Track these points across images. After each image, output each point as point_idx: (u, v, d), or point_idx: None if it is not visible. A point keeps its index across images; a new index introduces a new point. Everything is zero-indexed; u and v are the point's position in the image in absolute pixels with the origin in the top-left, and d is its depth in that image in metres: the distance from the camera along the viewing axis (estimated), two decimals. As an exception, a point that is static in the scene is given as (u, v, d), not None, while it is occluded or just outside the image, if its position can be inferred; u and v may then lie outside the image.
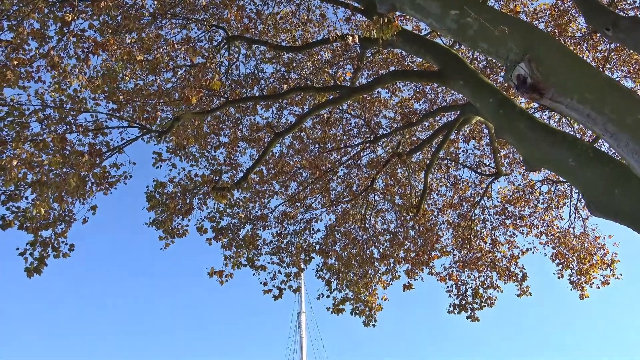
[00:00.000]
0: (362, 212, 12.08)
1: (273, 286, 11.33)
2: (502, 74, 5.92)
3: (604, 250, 12.19)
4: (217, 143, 11.10)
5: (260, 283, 11.26)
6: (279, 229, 11.76)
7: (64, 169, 8.24)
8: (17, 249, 8.27)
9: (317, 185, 11.82)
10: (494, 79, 11.13)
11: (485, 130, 11.82)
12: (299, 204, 11.96)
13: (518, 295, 12.28)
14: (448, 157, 12.63)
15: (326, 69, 11.24)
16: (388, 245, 12.11)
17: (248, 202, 11.42)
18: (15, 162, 7.45)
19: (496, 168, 11.83)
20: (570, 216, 12.36)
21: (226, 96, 10.19)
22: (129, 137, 9.13)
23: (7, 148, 7.62)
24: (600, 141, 10.26)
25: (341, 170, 12.15)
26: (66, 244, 8.74)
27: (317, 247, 11.89)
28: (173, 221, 10.63)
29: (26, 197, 8.32)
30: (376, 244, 12.15)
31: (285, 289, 11.38)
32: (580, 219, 12.34)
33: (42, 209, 7.85)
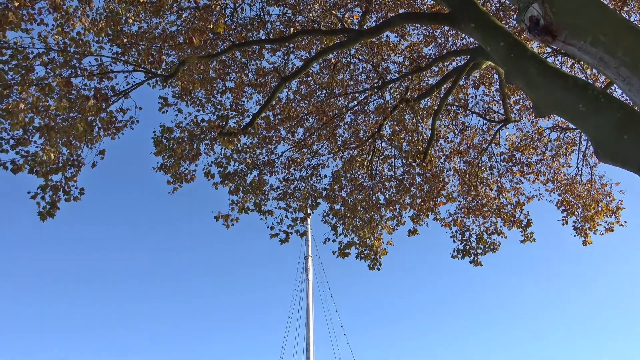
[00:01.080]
0: (369, 158, 12.09)
1: (280, 230, 11.51)
2: (515, 16, 5.74)
3: (609, 197, 12.23)
4: (223, 88, 10.99)
5: (268, 227, 11.45)
6: (285, 174, 11.83)
7: (71, 114, 8.25)
8: (29, 192, 8.40)
9: (324, 131, 11.78)
10: (506, 22, 10.82)
11: (496, 76, 11.61)
12: (305, 150, 11.96)
13: (522, 242, 12.45)
14: (457, 103, 12.48)
15: (334, 12, 10.94)
16: (394, 192, 12.18)
17: (255, 147, 11.42)
18: (22, 106, 7.45)
19: (505, 114, 11.71)
20: (577, 163, 12.33)
21: (232, 40, 10.01)
22: (134, 82, 9.08)
23: (13, 92, 7.60)
24: (613, 87, 10.08)
25: (348, 116, 12.08)
26: (76, 188, 8.87)
27: (324, 192, 11.99)
28: (180, 166, 10.72)
29: (35, 142, 8.37)
30: (382, 190, 12.23)
31: (292, 233, 11.56)
32: (588, 166, 12.31)
33: (52, 154, 7.91)
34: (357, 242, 12.07)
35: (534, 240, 12.34)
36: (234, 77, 11.08)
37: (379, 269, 12.14)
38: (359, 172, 12.17)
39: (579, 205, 12.41)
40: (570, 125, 11.89)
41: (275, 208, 11.60)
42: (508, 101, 11.58)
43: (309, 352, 50.45)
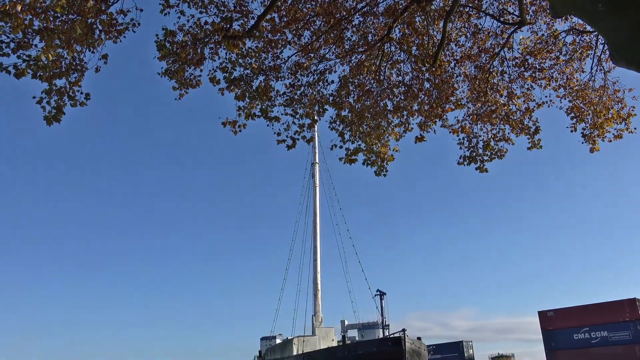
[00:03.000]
0: (377, 63, 11.79)
1: (287, 137, 11.53)
2: None
3: (621, 103, 12.03)
4: (226, -13, 10.50)
5: (274, 133, 11.46)
6: (292, 80, 11.62)
7: (70, 15, 7.99)
8: (34, 97, 8.36)
9: (332, 35, 11.39)
10: None
11: (513, -26, 10.99)
12: (312, 55, 11.65)
13: (529, 148, 12.45)
14: (470, 4, 11.91)
15: None
16: (402, 98, 12.02)
17: (260, 51, 11.12)
18: (19, 8, 7.22)
19: (520, 16, 11.21)
20: (591, 68, 11.99)
21: None
22: (133, -19, 8.68)
23: (9, -8, 7.32)
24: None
25: (356, 18, 11.60)
26: (81, 93, 8.80)
27: (331, 98, 11.84)
28: (185, 71, 10.53)
29: (35, 45, 8.20)
30: (390, 96, 12.07)
31: (298, 139, 11.59)
32: (602, 71, 11.98)
33: (51, 55, 7.75)
34: (364, 148, 12.12)
35: (541, 147, 12.34)
36: (236, -24, 10.56)
37: (385, 175, 12.31)
38: (366, 78, 11.94)
39: (589, 111, 12.25)
40: (588, 28, 11.42)
41: (282, 114, 11.54)
42: (524, 1, 11.05)
43: (316, 254, 52.52)
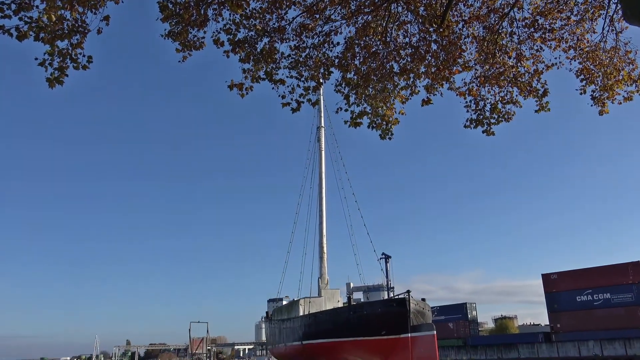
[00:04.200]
0: (384, 24, 11.56)
1: (292, 99, 11.44)
2: None
3: (632, 65, 11.81)
4: (229, -55, 10.23)
5: (279, 96, 11.37)
6: (297, 42, 11.43)
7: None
8: (36, 58, 8.30)
9: (337, -6, 11.14)
10: None
11: None
12: (317, 16, 11.43)
13: (536, 111, 12.32)
14: (480, -38, 11.58)
15: None
16: (409, 60, 11.83)
17: (264, 12, 10.92)
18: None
19: (531, -26, 10.91)
20: (603, 29, 11.71)
21: None
22: (133, -61, 8.47)
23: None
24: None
25: (363, -23, 11.32)
26: (84, 56, 8.72)
27: (337, 60, 11.68)
28: (189, 33, 10.38)
29: (37, 7, 8.09)
30: (397, 58, 11.88)
31: (303, 102, 11.49)
32: (614, 32, 11.70)
33: (53, 15, 7.65)
34: (370, 111, 12.03)
35: (549, 110, 12.21)
36: None
37: (390, 138, 12.25)
38: (373, 39, 11.73)
39: (600, 73, 12.05)
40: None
41: (287, 77, 11.41)
42: (536, -41, 10.73)
43: (322, 217, 52.87)
